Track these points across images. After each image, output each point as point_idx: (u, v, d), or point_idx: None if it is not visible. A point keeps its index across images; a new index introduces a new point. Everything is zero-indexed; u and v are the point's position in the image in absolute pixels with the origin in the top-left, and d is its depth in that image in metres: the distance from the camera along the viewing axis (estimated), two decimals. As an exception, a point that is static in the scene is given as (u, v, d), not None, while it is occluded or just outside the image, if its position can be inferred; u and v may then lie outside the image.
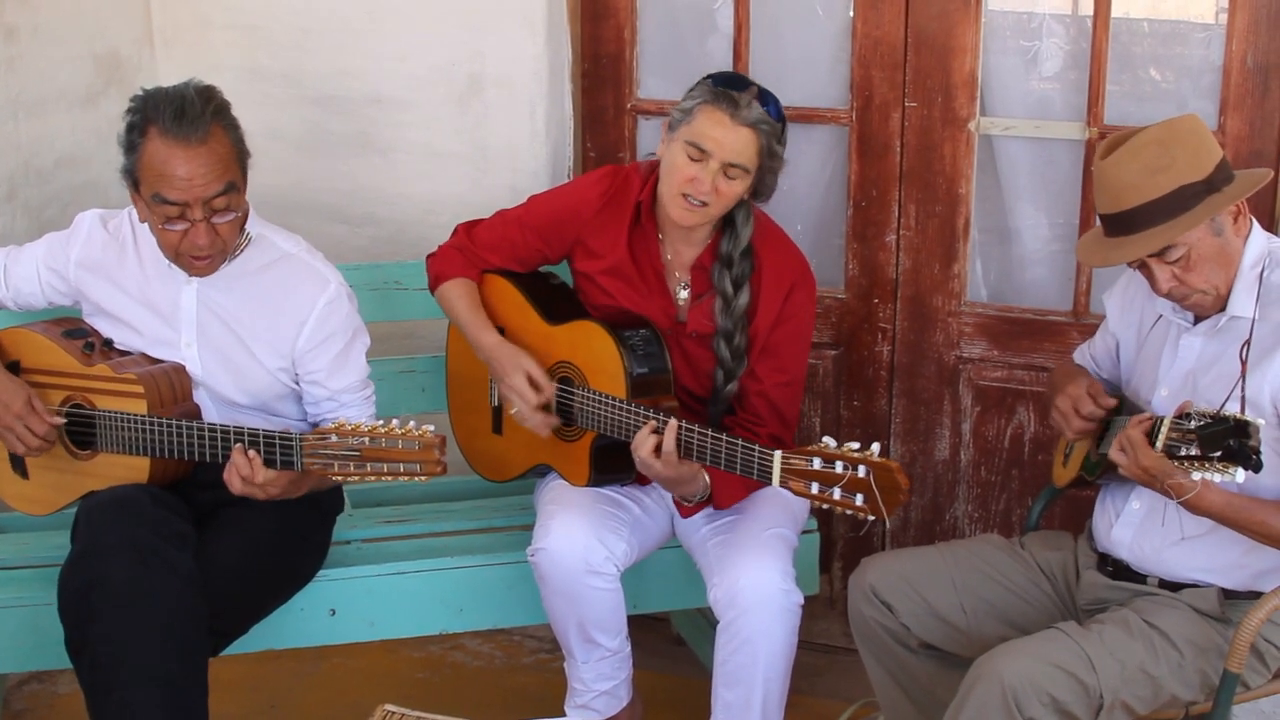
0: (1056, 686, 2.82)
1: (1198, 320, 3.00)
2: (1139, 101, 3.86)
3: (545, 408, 3.43)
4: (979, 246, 4.10)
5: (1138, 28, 3.88)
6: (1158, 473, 2.74)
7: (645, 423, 3.22)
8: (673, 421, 3.16)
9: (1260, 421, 2.60)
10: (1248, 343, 2.90)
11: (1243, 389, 2.90)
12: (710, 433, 3.13)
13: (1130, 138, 2.88)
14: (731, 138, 3.23)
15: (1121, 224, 2.89)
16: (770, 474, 3.02)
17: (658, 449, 3.18)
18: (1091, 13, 3.79)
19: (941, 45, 3.91)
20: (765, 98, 3.27)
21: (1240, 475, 2.59)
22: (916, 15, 3.91)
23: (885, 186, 4.04)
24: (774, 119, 3.27)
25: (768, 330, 3.43)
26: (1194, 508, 2.80)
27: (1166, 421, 2.70)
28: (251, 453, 3.11)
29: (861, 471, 2.88)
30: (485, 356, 3.52)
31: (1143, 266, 2.91)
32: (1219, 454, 2.60)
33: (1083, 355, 3.40)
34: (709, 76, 3.32)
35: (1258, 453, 2.57)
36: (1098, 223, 2.98)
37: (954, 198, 3.98)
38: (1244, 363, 2.90)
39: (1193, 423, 2.64)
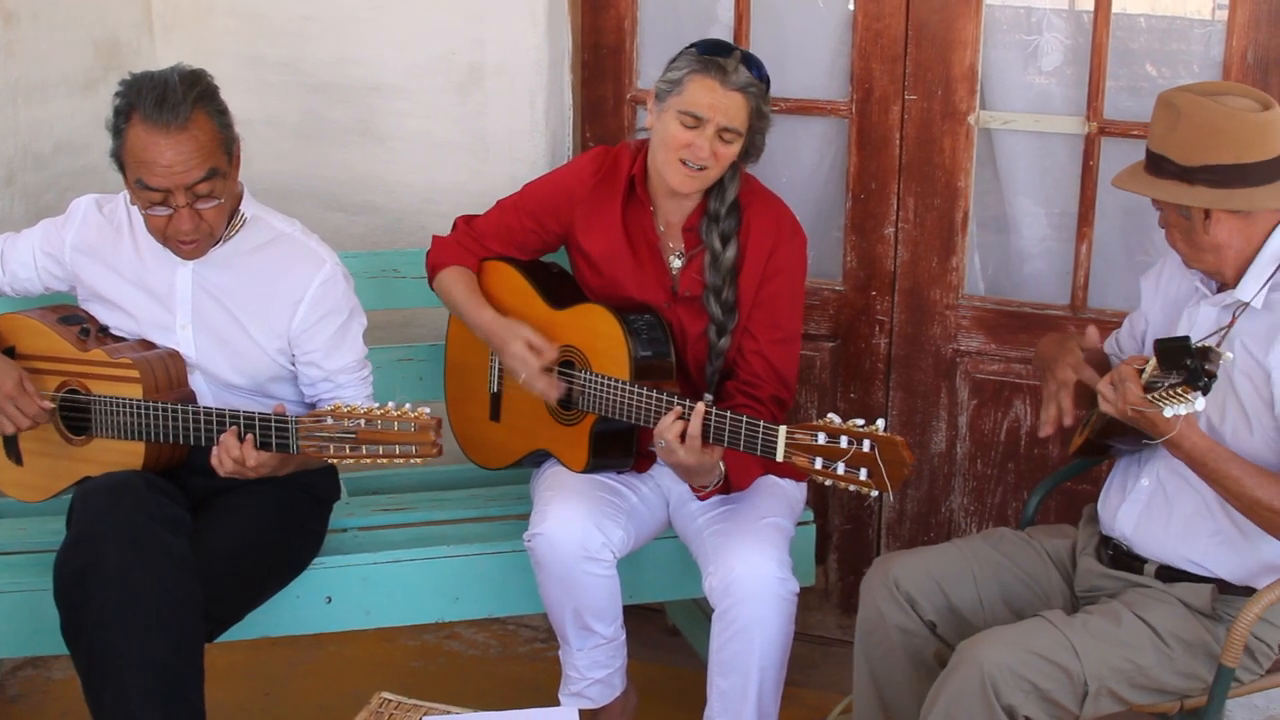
0: (1036, 674, 2.83)
1: (1219, 289, 3.03)
2: (1138, 96, 3.86)
3: (549, 370, 3.43)
4: (977, 240, 4.09)
5: (1135, 23, 3.89)
6: (1137, 405, 2.75)
7: (647, 403, 3.23)
8: (700, 405, 3.16)
9: (1229, 355, 2.63)
10: (1245, 305, 2.94)
11: (1223, 336, 2.94)
12: (715, 410, 3.14)
13: (1181, 92, 2.93)
14: (724, 103, 3.27)
15: (1147, 158, 2.98)
16: (774, 449, 3.03)
17: (683, 435, 3.18)
18: (1090, 8, 3.79)
19: (942, 38, 3.91)
20: (749, 60, 3.31)
21: (1200, 402, 2.60)
22: (917, 8, 3.91)
23: (884, 179, 4.04)
24: (760, 81, 3.32)
25: (757, 285, 3.44)
26: (1175, 444, 2.82)
27: (1152, 360, 2.71)
28: (248, 436, 3.11)
29: (866, 446, 2.90)
30: (484, 333, 3.53)
31: None
32: (1180, 378, 2.60)
33: (1110, 345, 3.40)
34: (692, 45, 3.35)
35: (1211, 376, 2.57)
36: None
37: (953, 191, 3.98)
38: (1235, 317, 2.95)
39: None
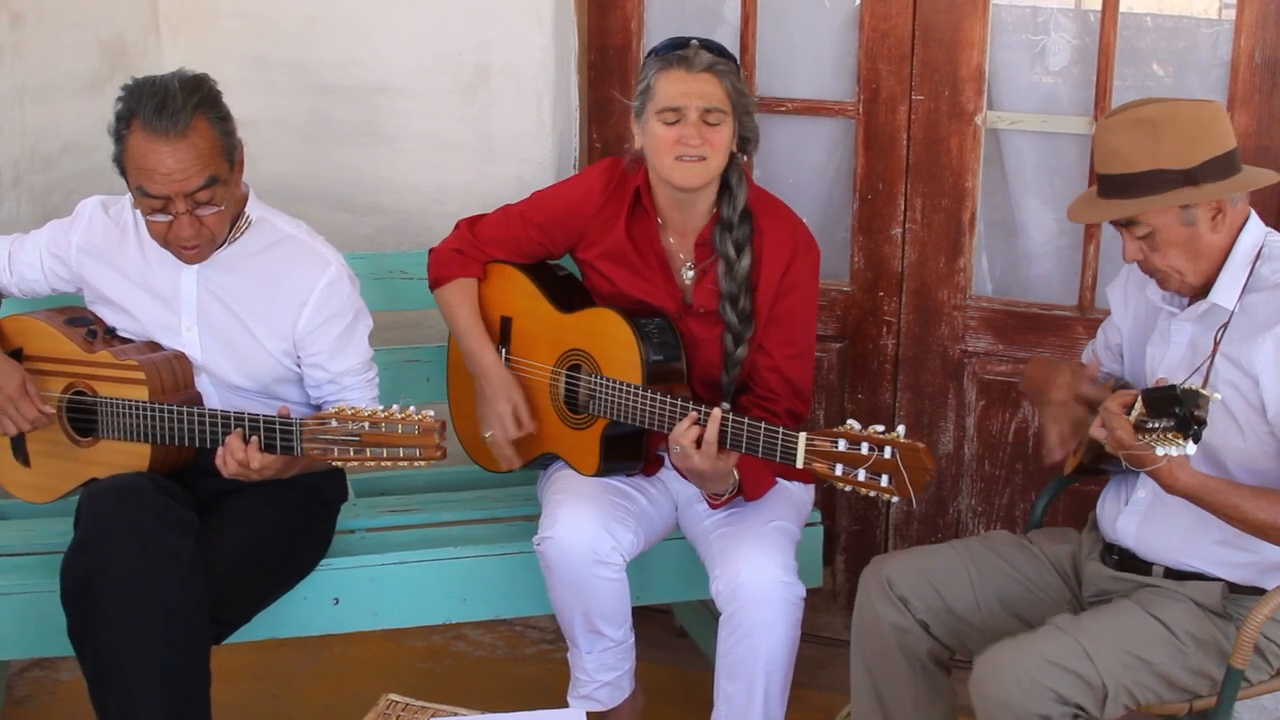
0: (1056, 681, 2.82)
1: (1189, 304, 3.01)
2: (1145, 96, 3.84)
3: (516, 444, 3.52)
4: (985, 240, 4.09)
5: (1142, 23, 3.89)
6: (1128, 446, 2.74)
7: (662, 408, 3.23)
8: (716, 411, 3.15)
9: (1216, 396, 2.63)
10: (1225, 326, 2.92)
11: (1209, 368, 2.92)
12: (733, 416, 3.13)
13: (1138, 106, 2.91)
14: (696, 86, 3.28)
15: (1103, 185, 2.94)
16: (794, 456, 3.02)
17: (699, 440, 3.17)
18: (1097, 7, 3.79)
19: (949, 39, 3.90)
20: (708, 45, 3.34)
21: (1191, 448, 2.61)
22: (924, 8, 3.91)
23: (892, 180, 4.03)
24: (724, 59, 3.33)
25: (772, 299, 3.43)
26: (1168, 486, 2.82)
27: (1141, 396, 2.71)
28: (252, 438, 3.11)
29: (888, 453, 2.90)
30: (477, 373, 3.56)
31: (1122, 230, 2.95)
32: (1170, 424, 2.61)
33: (1088, 355, 3.39)
34: (650, 52, 3.38)
35: (1201, 423, 2.58)
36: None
37: (960, 191, 3.98)
38: (1217, 343, 2.93)
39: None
